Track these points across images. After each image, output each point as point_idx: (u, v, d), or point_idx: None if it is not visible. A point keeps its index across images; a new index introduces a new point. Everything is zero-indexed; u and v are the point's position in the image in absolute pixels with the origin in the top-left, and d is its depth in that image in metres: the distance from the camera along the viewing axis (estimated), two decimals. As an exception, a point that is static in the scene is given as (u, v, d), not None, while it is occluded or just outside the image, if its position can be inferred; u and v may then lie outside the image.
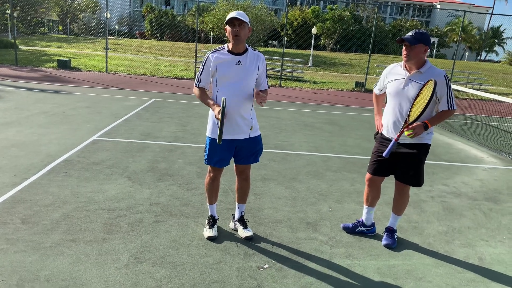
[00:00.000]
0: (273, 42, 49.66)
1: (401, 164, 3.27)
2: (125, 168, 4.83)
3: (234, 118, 3.07)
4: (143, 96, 10.44)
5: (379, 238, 3.56)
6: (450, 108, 3.10)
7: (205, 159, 3.27)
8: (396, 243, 3.46)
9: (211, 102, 3.05)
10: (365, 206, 3.58)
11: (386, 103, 3.38)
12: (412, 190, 4.83)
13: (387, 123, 3.28)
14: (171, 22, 51.19)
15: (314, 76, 20.26)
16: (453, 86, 10.82)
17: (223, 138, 3.00)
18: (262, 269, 2.95)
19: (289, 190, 4.56)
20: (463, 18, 17.13)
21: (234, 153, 3.26)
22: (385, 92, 3.41)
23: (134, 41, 34.37)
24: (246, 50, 3.06)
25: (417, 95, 3.03)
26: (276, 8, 64.93)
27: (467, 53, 51.72)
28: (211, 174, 3.32)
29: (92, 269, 2.78)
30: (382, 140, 3.34)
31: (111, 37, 39.91)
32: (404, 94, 3.13)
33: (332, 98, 13.27)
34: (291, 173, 5.17)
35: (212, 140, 3.17)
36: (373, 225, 3.63)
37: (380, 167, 3.36)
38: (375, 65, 21.53)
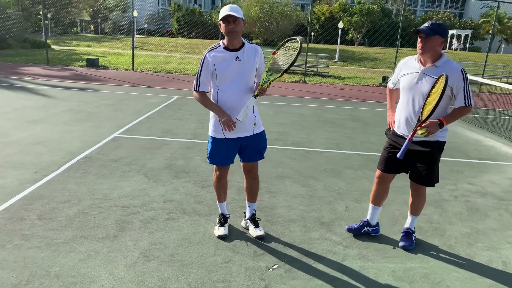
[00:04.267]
0: (301, 37, 49.24)
1: (414, 163, 3.12)
2: (142, 165, 4.87)
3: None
4: (167, 94, 10.54)
5: (395, 239, 3.42)
6: (467, 105, 2.92)
7: (208, 159, 3.21)
8: (414, 245, 3.31)
9: (218, 110, 2.98)
10: (371, 205, 3.44)
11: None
12: (434, 189, 4.64)
13: (399, 119, 3.13)
14: (198, 20, 51.58)
15: (340, 71, 19.92)
16: (485, 81, 10.36)
17: (228, 137, 3.03)
18: (271, 269, 2.89)
19: (305, 188, 4.47)
20: (497, 9, 16.37)
21: (240, 152, 3.21)
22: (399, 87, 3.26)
23: (161, 39, 34.87)
24: (243, 44, 2.99)
25: (430, 90, 2.87)
26: (302, 3, 64.28)
27: (503, 46, 49.53)
28: (217, 173, 3.28)
29: (101, 266, 2.80)
30: (394, 137, 3.20)
31: (139, 36, 40.69)
32: (417, 89, 2.98)
33: (358, 94, 12.99)
34: (309, 171, 5.07)
35: (214, 140, 3.12)
36: (377, 225, 3.49)
37: (391, 164, 3.22)
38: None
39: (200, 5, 69.90)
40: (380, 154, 3.35)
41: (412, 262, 3.10)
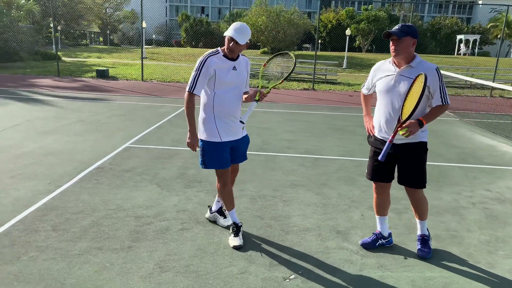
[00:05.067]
0: (307, 45, 49.33)
1: (401, 167, 3.10)
2: (154, 175, 4.87)
3: (232, 121, 3.18)
4: (177, 103, 10.58)
5: (412, 247, 3.35)
6: (444, 103, 2.94)
7: (204, 164, 3.22)
8: (431, 253, 3.24)
9: (193, 127, 3.14)
10: (377, 217, 3.38)
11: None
12: (451, 196, 4.57)
13: (379, 122, 3.10)
14: (206, 30, 52.02)
15: (348, 78, 19.87)
16: (497, 85, 10.23)
17: (224, 140, 3.17)
18: (288, 280, 2.84)
19: (319, 197, 4.42)
20: (506, 13, 16.23)
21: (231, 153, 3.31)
22: (374, 92, 3.23)
23: (170, 49, 35.18)
24: (238, 55, 3.16)
25: (408, 91, 2.86)
26: (309, 11, 64.57)
27: (512, 50, 49.12)
28: (222, 179, 3.27)
29: (116, 278, 2.78)
30: (376, 142, 3.16)
31: (148, 46, 41.10)
32: (395, 91, 2.97)
33: (367, 100, 12.92)
34: (322, 178, 5.02)
35: (210, 144, 3.16)
36: (390, 235, 3.42)
37: (380, 172, 3.18)
38: (412, 65, 20.81)
39: (207, 15, 70.62)
40: (367, 164, 3.30)
41: (431, 271, 3.03)
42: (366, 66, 26.91)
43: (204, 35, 51.30)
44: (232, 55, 3.09)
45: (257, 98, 3.25)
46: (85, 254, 3.06)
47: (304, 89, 15.43)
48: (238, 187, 4.59)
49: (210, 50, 3.11)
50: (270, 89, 3.34)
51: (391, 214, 3.99)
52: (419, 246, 3.27)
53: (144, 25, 16.88)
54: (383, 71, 3.08)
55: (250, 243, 3.33)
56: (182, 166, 5.30)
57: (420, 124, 2.86)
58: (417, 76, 2.83)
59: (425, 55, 33.56)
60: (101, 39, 65.01)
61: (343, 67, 25.42)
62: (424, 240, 3.28)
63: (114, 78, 16.34)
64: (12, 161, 5.13)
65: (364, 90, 3.38)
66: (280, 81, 3.45)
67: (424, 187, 3.12)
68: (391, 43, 2.93)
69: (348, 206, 4.19)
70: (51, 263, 2.91)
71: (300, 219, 3.83)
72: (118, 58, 28.01)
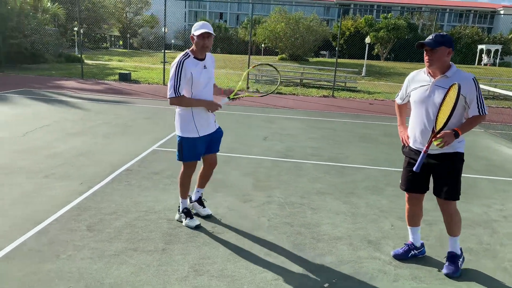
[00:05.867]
0: (324, 52, 49.28)
1: (436, 177, 3.06)
2: (182, 179, 4.92)
3: (208, 116, 3.51)
4: (198, 108, 10.67)
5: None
6: (481, 114, 2.88)
7: (181, 157, 3.54)
8: (459, 272, 3.12)
9: (204, 101, 3.43)
10: (409, 227, 3.35)
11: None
12: (481, 208, 4.51)
13: (414, 133, 3.08)
14: (223, 35, 52.47)
15: (368, 86, 19.76)
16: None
17: (201, 135, 3.49)
18: (322, 288, 2.84)
19: (348, 206, 4.40)
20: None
21: (207, 145, 3.61)
22: (408, 102, 3.21)
23: (188, 54, 35.48)
24: (205, 54, 3.45)
25: (442, 101, 2.84)
26: (327, 19, 64.56)
27: (535, 61, 48.16)
28: (191, 169, 3.61)
29: (153, 279, 2.82)
30: (411, 153, 3.13)
31: (168, 51, 41.60)
32: (430, 101, 2.94)
33: (389, 109, 12.82)
34: (349, 187, 5.01)
35: (188, 139, 3.45)
36: (422, 245, 3.38)
37: (414, 182, 3.15)
38: (433, 74, 20.58)
39: (225, 21, 71.24)
40: (401, 174, 3.28)
41: (467, 284, 2.99)
42: (385, 75, 26.74)
43: (221, 41, 51.71)
44: (203, 52, 3.38)
45: (231, 96, 3.58)
46: (121, 255, 3.11)
47: (324, 96, 15.40)
48: (265, 193, 4.62)
49: (181, 54, 3.37)
50: (246, 96, 3.65)
51: (422, 225, 3.96)
52: (446, 264, 3.16)
53: (166, 30, 17.11)
54: (418, 81, 3.06)
55: (281, 250, 3.34)
56: (209, 170, 5.34)
57: (456, 134, 2.83)
58: (451, 86, 2.81)
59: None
60: (121, 42, 66.15)
61: (362, 75, 25.30)
62: (453, 257, 3.17)
63: (136, 81, 16.59)
64: (44, 162, 5.26)
65: (398, 100, 3.37)
66: (256, 95, 3.77)
67: (457, 199, 3.06)
68: (424, 53, 2.91)
69: (378, 216, 4.17)
70: (89, 263, 2.97)
71: (330, 228, 3.82)
72: (139, 62, 28.44)
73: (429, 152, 2.96)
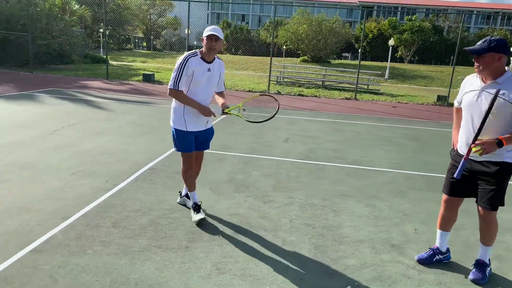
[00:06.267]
0: (347, 54, 48.88)
1: (479, 184, 2.96)
2: (205, 178, 4.97)
3: (199, 115, 3.63)
4: (220, 108, 10.75)
5: (470, 266, 3.23)
6: None
7: (178, 148, 3.72)
8: (487, 279, 3.05)
9: (199, 104, 3.55)
10: (439, 231, 3.28)
11: None
12: (511, 214, 4.38)
13: (461, 137, 3.02)
14: (245, 37, 52.71)
15: (391, 89, 19.49)
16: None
17: (191, 130, 3.65)
18: (344, 290, 2.82)
19: (370, 209, 4.36)
20: None
21: (195, 142, 3.76)
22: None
23: (210, 56, 35.78)
24: (214, 58, 3.58)
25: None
26: (350, 21, 63.99)
27: None
28: (187, 163, 3.75)
29: (176, 276, 2.86)
30: (457, 157, 3.07)
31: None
32: (477, 107, 2.86)
33: (412, 112, 12.63)
34: (371, 190, 4.95)
35: (178, 131, 3.64)
36: (448, 250, 3.32)
37: (456, 187, 3.08)
38: (459, 77, 20.13)
39: (247, 23, 71.52)
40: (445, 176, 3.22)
41: (494, 292, 2.92)
42: (409, 77, 26.31)
43: (243, 43, 51.97)
44: (211, 55, 3.51)
45: (226, 111, 3.65)
46: (146, 251, 3.17)
47: (346, 98, 15.28)
48: (286, 194, 4.62)
49: (190, 52, 3.52)
50: (235, 115, 3.72)
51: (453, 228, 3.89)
52: (473, 270, 3.09)
53: (189, 32, 17.32)
54: (470, 85, 2.99)
55: (303, 251, 3.34)
56: (231, 170, 5.38)
57: (499, 143, 2.72)
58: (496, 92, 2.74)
59: (471, 67, 32.38)
60: (144, 44, 67.26)
61: (385, 77, 24.97)
62: (481, 265, 3.10)
63: (159, 82, 16.84)
64: (71, 159, 5.40)
65: (455, 103, 3.27)
66: (242, 118, 3.72)
67: (494, 209, 2.95)
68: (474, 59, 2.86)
69: (401, 220, 4.11)
70: (115, 258, 3.04)
71: (353, 230, 3.79)
72: (161, 63, 28.86)
73: (475, 158, 2.90)
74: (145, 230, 3.51)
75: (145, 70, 21.51)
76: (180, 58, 3.47)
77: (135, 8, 49.14)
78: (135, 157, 5.65)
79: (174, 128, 3.67)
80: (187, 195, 4.10)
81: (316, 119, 10.13)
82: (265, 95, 3.90)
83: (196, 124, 3.67)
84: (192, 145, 3.72)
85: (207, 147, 3.96)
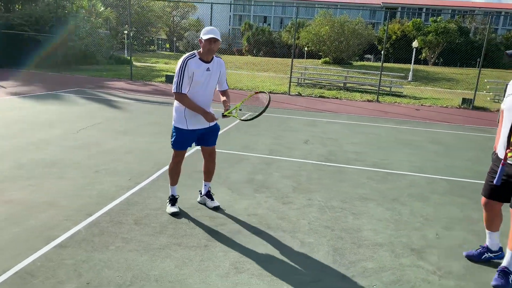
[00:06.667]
0: (369, 56, 48.30)
1: None
2: (225, 178, 5.03)
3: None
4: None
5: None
6: None
7: (173, 145, 3.84)
8: (509, 286, 2.96)
9: (201, 109, 3.64)
10: (487, 231, 3.26)
11: None
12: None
13: (501, 141, 2.97)
14: (267, 39, 52.78)
15: (414, 92, 19.17)
16: None
17: (190, 128, 3.75)
18: (362, 293, 2.81)
19: (391, 212, 4.31)
20: None
21: (199, 139, 3.90)
22: None
23: (232, 57, 36.05)
24: (212, 58, 3.67)
25: None
26: (373, 22, 63.23)
27: None
28: (177, 159, 3.90)
29: (195, 274, 2.91)
30: (496, 161, 3.02)
31: (212, 54, 42.32)
32: None
33: (436, 115, 12.39)
34: (392, 194, 4.90)
35: (179, 130, 3.76)
36: (500, 249, 3.26)
37: (495, 191, 3.02)
38: (485, 80, 19.64)
39: (269, 24, 71.56)
40: (482, 181, 3.17)
41: (518, 300, 2.85)
42: (433, 80, 25.81)
43: (265, 44, 52.03)
44: (209, 55, 3.60)
45: (225, 113, 3.73)
46: (166, 249, 3.23)
47: (368, 100, 15.12)
48: (305, 196, 4.62)
49: (188, 53, 3.61)
50: (232, 116, 3.78)
51: (469, 236, 3.82)
52: (496, 276, 3.01)
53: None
54: None
55: (321, 253, 3.34)
56: (251, 171, 5.42)
57: None
58: None
59: (498, 70, 31.53)
60: (167, 45, 68.16)
61: (409, 79, 24.57)
62: (506, 273, 3.00)
63: (181, 83, 17.02)
64: (95, 157, 5.54)
65: (502, 105, 3.24)
66: (237, 118, 3.80)
67: None
68: None
69: (422, 224, 4.05)
70: (136, 255, 3.11)
71: (372, 233, 3.76)
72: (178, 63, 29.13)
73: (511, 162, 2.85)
74: (166, 228, 3.58)
75: (167, 71, 21.82)
76: (179, 61, 3.58)
77: (159, 10, 49.84)
78: (156, 157, 5.75)
79: (174, 126, 3.80)
80: (207, 194, 4.17)
81: (336, 121, 10.07)
82: (261, 92, 3.98)
83: (197, 122, 3.75)
84: (187, 144, 3.86)
85: (214, 143, 4.04)
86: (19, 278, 2.72)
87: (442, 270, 3.19)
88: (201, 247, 3.30)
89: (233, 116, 3.78)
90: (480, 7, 63.68)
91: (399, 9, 61.22)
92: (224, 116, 3.74)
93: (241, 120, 3.81)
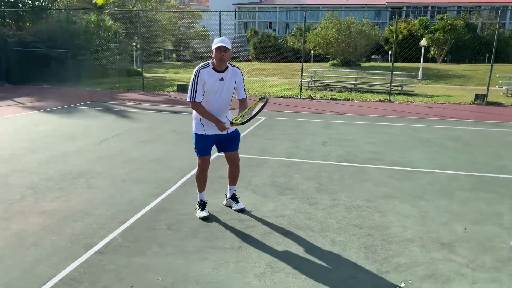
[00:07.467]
0: (376, 56, 48.17)
1: None
2: (248, 182, 5.11)
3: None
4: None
5: (530, 264, 3.19)
6: None
7: (197, 152, 3.98)
8: None
9: (215, 118, 3.74)
10: None
11: None
12: None
13: None
14: (273, 44, 52.98)
15: (426, 90, 19.09)
16: None
17: (208, 134, 3.88)
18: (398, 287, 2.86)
19: (416, 209, 4.35)
20: None
21: (220, 145, 4.03)
22: None
23: (240, 64, 36.25)
24: (227, 67, 3.76)
25: None
26: (379, 22, 63.10)
27: None
28: (202, 166, 4.02)
29: (233, 274, 2.98)
30: None
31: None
32: None
33: (449, 112, 12.34)
34: (416, 191, 4.93)
35: (198, 136, 3.90)
36: None
37: None
38: (497, 75, 19.47)
39: (274, 30, 71.86)
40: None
41: (554, 290, 2.87)
42: (443, 77, 25.67)
43: (272, 50, 52.19)
44: (222, 65, 3.68)
45: (232, 120, 3.73)
46: (200, 252, 3.31)
47: (380, 100, 15.11)
48: (330, 196, 4.68)
49: (202, 63, 3.75)
50: (235, 123, 3.74)
51: (500, 230, 3.85)
52: None
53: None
54: None
55: (353, 250, 3.39)
56: (272, 174, 5.49)
57: None
58: None
59: (507, 65, 31.20)
60: (174, 55, 68.78)
61: (419, 78, 24.46)
62: None
63: (192, 92, 17.20)
64: (121, 167, 5.67)
65: None
66: (240, 122, 3.69)
67: None
68: None
69: (448, 219, 4.08)
70: (173, 258, 3.20)
71: (401, 230, 3.81)
72: (193, 73, 29.40)
73: None
74: (198, 232, 3.67)
75: (178, 80, 22.06)
76: (194, 71, 3.72)
77: (165, 21, 50.41)
78: (180, 164, 5.86)
79: (194, 133, 3.94)
80: (232, 197, 4.27)
81: (351, 122, 10.10)
82: (262, 98, 3.97)
83: (214, 128, 3.83)
84: (208, 149, 3.97)
85: (236, 149, 4.11)
86: (65, 285, 2.82)
87: (475, 263, 3.22)
88: (234, 248, 3.37)
89: (238, 123, 3.76)
90: (486, 2, 63.15)
91: (404, 8, 61.02)
92: (232, 123, 3.77)
93: (241, 124, 3.75)
